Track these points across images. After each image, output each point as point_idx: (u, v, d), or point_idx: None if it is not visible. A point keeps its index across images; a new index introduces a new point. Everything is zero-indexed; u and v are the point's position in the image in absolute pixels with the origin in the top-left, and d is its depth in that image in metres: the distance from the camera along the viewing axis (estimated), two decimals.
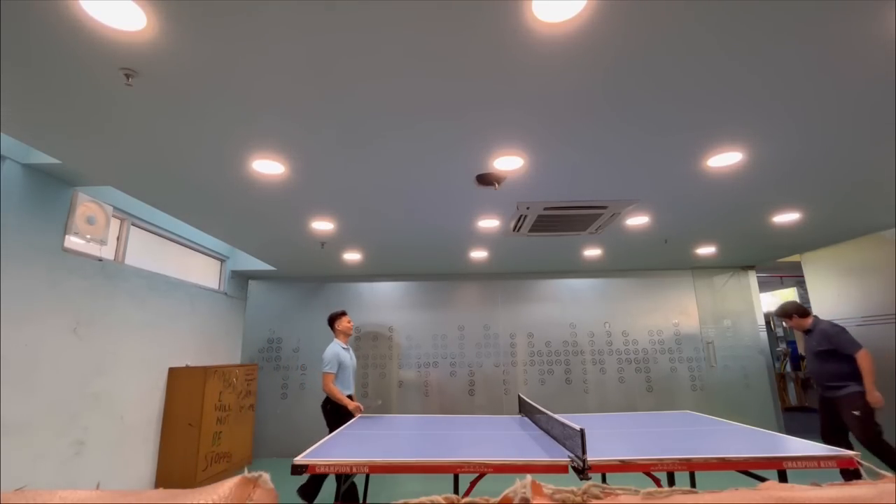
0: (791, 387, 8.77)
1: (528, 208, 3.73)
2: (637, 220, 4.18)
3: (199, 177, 3.00)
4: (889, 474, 0.57)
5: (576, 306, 6.59)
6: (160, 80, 1.95)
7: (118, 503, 0.52)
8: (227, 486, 0.51)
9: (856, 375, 3.73)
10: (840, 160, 2.93)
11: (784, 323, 4.99)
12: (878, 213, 4.14)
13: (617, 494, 0.53)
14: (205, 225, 4.15)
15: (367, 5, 1.54)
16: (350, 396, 4.03)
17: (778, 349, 9.07)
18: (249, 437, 5.64)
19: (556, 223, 4.15)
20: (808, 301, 5.90)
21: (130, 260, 4.32)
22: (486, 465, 2.26)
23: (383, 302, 6.63)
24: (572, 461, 2.24)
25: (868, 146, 2.73)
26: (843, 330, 3.88)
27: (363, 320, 6.49)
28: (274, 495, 0.52)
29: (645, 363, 6.36)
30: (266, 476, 0.53)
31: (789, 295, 8.64)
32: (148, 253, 4.62)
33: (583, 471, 2.15)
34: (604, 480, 2.39)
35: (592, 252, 5.45)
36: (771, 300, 9.03)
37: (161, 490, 0.53)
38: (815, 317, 4.11)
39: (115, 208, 3.98)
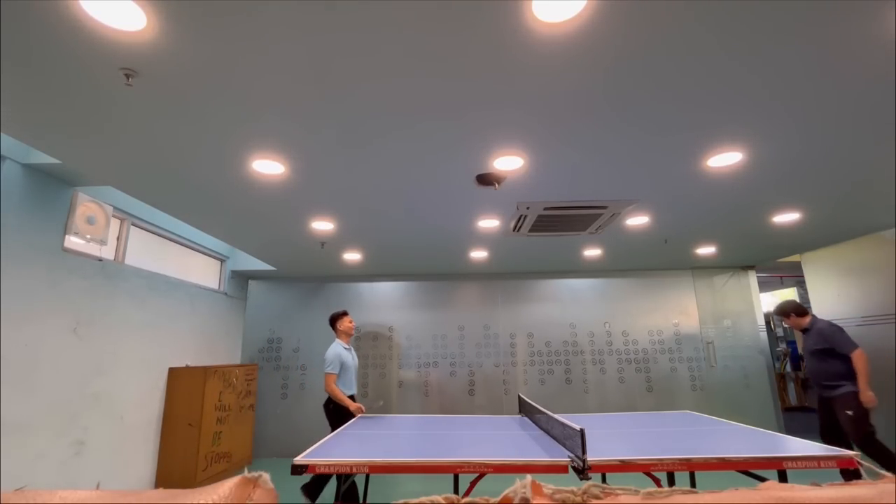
0: (791, 387, 8.77)
1: (528, 208, 3.73)
2: (637, 220, 4.18)
3: (199, 177, 3.00)
4: (889, 474, 0.57)
5: (576, 306, 6.59)
6: (160, 80, 1.95)
7: (118, 503, 0.52)
8: (227, 486, 0.51)
9: (851, 375, 3.73)
10: (840, 160, 2.93)
11: (782, 321, 4.99)
12: (878, 213, 4.14)
13: (617, 494, 0.53)
14: (205, 225, 4.15)
15: (367, 5, 1.54)
16: (352, 396, 4.03)
17: (778, 349, 9.07)
18: (249, 437, 5.64)
19: (556, 223, 4.15)
20: (808, 301, 5.89)
21: (130, 260, 4.32)
22: (486, 465, 2.26)
23: (383, 302, 6.63)
24: (572, 461, 2.24)
25: (868, 146, 2.73)
26: (839, 329, 3.88)
27: (363, 320, 6.48)
28: (274, 495, 0.52)
29: (645, 363, 6.36)
30: (266, 476, 0.53)
31: (789, 295, 8.64)
32: (148, 253, 4.62)
33: (583, 471, 2.14)
34: (604, 480, 2.39)
35: (592, 252, 5.45)
36: (771, 300, 9.03)
37: (161, 490, 0.53)
38: (814, 316, 4.11)
39: (115, 208, 3.98)
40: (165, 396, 4.68)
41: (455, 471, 2.31)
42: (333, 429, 3.64)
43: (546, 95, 2.11)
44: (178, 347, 4.93)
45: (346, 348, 4.11)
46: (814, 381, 4.08)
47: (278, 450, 5.99)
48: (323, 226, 4.11)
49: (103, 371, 3.85)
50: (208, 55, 1.79)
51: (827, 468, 2.27)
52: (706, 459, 2.27)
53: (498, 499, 0.52)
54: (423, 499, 0.51)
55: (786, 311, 4.15)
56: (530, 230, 4.32)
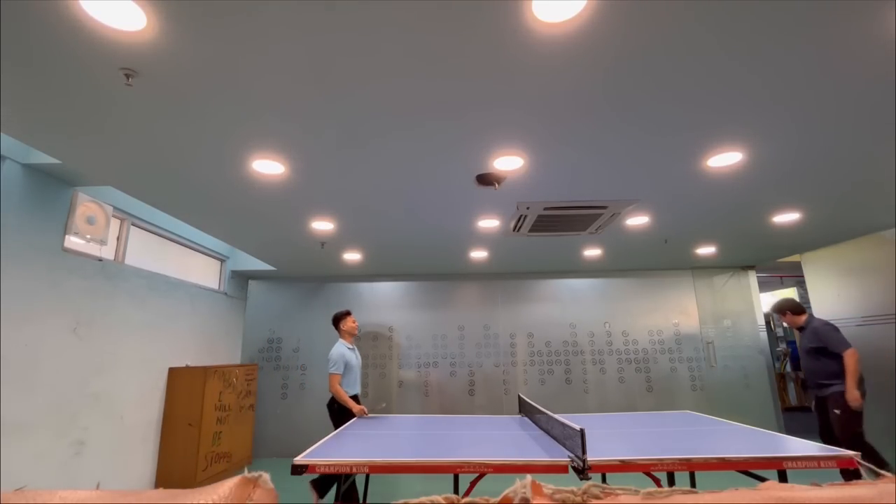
0: (791, 387, 8.76)
1: (528, 208, 3.73)
2: (637, 220, 4.18)
3: (199, 177, 3.00)
4: (889, 474, 0.57)
5: (576, 306, 6.59)
6: (160, 80, 1.95)
7: (118, 503, 0.52)
8: (227, 486, 0.51)
9: (843, 374, 3.74)
10: (840, 160, 2.93)
11: (779, 319, 5.00)
12: (878, 213, 4.14)
13: (617, 494, 0.53)
14: (205, 225, 4.15)
15: (367, 5, 1.54)
16: (356, 396, 4.03)
17: (778, 349, 9.06)
18: (249, 437, 5.64)
19: (556, 223, 4.15)
20: (808, 301, 5.90)
21: (130, 260, 4.32)
22: (486, 465, 2.26)
23: (383, 302, 6.63)
24: (572, 461, 2.24)
25: (868, 146, 2.73)
26: (834, 329, 3.89)
27: (363, 320, 6.48)
28: (274, 495, 0.52)
29: (645, 363, 6.36)
30: (266, 476, 0.53)
31: (789, 295, 8.64)
32: (148, 253, 4.62)
33: (583, 471, 2.14)
34: (604, 480, 2.39)
35: (592, 252, 5.45)
36: (771, 300, 9.00)
37: (161, 490, 0.53)
38: (810, 315, 4.12)
39: (115, 208, 3.98)
40: (165, 396, 4.67)
41: (455, 471, 2.31)
42: (337, 428, 3.64)
43: (546, 95, 2.11)
44: (178, 347, 4.93)
45: (349, 348, 4.11)
46: (808, 379, 4.11)
47: (278, 450, 5.99)
48: (323, 226, 4.11)
49: (103, 371, 3.85)
50: (208, 55, 1.79)
51: (827, 468, 2.27)
52: (706, 459, 2.27)
53: (498, 499, 0.52)
54: (423, 499, 0.51)
55: (783, 308, 4.17)
56: (530, 230, 4.32)
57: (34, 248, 3.25)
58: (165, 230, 4.81)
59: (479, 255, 5.42)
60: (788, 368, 8.86)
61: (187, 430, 4.59)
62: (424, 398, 6.30)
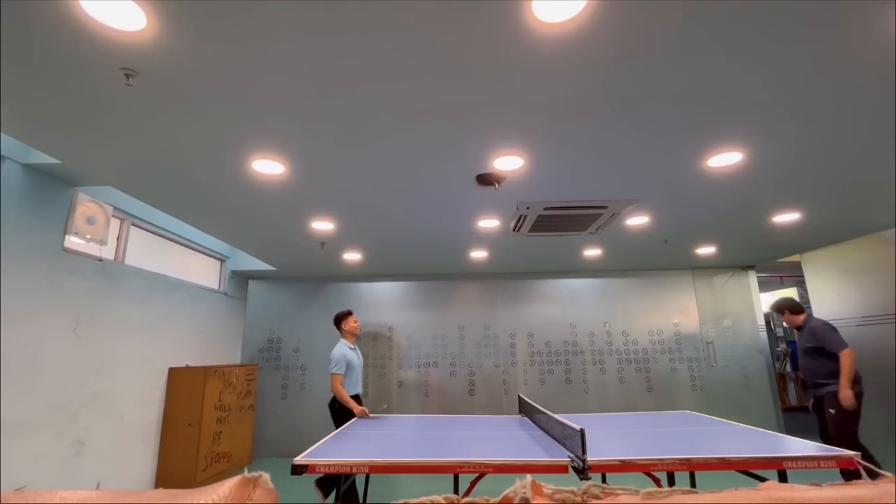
0: (791, 387, 8.76)
1: (528, 208, 3.73)
2: (637, 220, 4.18)
3: (200, 177, 3.00)
4: (889, 474, 0.57)
5: (576, 306, 6.59)
6: (160, 80, 1.95)
7: (118, 503, 0.52)
8: (227, 486, 0.51)
9: (839, 374, 3.74)
10: (840, 160, 2.93)
11: (778, 318, 5.01)
12: (878, 213, 4.14)
13: (617, 494, 0.53)
14: (205, 225, 4.15)
15: (367, 6, 1.54)
16: (357, 396, 4.03)
17: (778, 349, 9.06)
18: (249, 437, 5.64)
19: (556, 223, 4.15)
20: (808, 301, 5.90)
21: (130, 260, 4.32)
22: (486, 465, 2.26)
23: (383, 302, 6.63)
24: (572, 461, 2.24)
25: (868, 146, 2.73)
26: (832, 328, 3.89)
27: (363, 320, 6.46)
28: (274, 495, 0.52)
29: (645, 363, 6.36)
30: (266, 476, 0.53)
31: (789, 294, 8.64)
32: (148, 253, 4.62)
33: (583, 471, 2.14)
34: (604, 480, 2.39)
35: (592, 252, 5.45)
36: (771, 300, 8.99)
37: (161, 490, 0.53)
38: (809, 314, 4.12)
39: (115, 208, 3.98)
40: (165, 396, 4.67)
41: (455, 471, 2.31)
42: (338, 427, 3.64)
43: (546, 95, 2.11)
44: (178, 347, 4.93)
45: (351, 348, 4.11)
46: (806, 379, 4.12)
47: (278, 450, 5.99)
48: (323, 226, 4.11)
49: (103, 371, 3.85)
50: (208, 55, 1.79)
51: (827, 468, 2.27)
52: (706, 459, 2.27)
53: (498, 499, 0.52)
54: (423, 499, 0.51)
55: (781, 307, 4.18)
56: (530, 230, 4.32)
57: (34, 248, 3.25)
58: (165, 230, 4.81)
59: (479, 255, 5.42)
60: (788, 368, 8.86)
61: (187, 430, 4.59)
62: (424, 398, 6.30)
